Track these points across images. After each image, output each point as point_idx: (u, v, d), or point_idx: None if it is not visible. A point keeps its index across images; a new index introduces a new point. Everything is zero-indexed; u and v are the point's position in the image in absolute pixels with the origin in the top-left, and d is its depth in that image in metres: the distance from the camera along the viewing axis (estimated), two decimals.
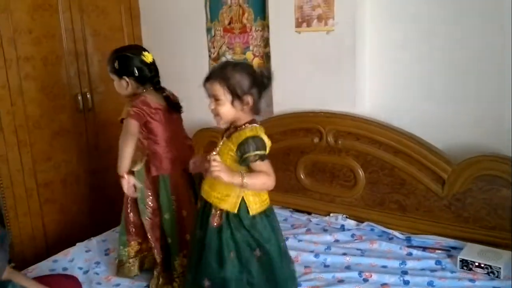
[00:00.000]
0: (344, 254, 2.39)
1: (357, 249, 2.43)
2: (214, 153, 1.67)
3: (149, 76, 2.25)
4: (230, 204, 1.74)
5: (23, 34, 3.00)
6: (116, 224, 2.93)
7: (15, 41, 2.95)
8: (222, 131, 1.86)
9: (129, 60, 2.23)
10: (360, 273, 2.18)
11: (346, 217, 2.70)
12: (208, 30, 3.37)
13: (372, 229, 2.60)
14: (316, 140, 2.76)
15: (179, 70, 3.49)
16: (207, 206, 1.81)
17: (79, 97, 3.30)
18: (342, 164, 2.72)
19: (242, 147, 1.66)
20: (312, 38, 2.73)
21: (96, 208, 3.45)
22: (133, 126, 2.15)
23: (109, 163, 3.50)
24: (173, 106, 2.27)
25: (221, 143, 1.79)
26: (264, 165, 1.68)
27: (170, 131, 2.24)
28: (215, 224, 1.76)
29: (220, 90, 1.67)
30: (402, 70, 2.64)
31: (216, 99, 1.69)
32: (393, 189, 2.58)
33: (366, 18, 2.65)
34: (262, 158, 1.67)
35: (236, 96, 1.66)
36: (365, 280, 2.15)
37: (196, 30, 3.39)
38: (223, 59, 3.34)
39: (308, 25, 2.73)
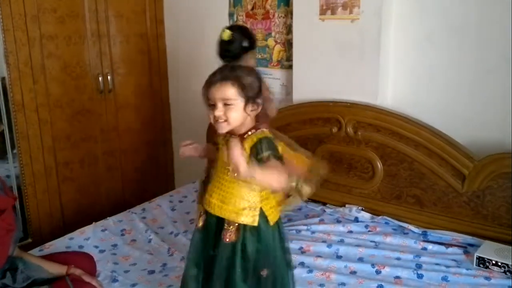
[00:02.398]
0: (358, 245, 2.37)
1: (371, 241, 2.41)
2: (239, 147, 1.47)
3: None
4: (249, 218, 1.60)
5: (47, 13, 3.02)
6: (133, 205, 2.97)
7: (39, 19, 2.98)
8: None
9: None
10: (373, 265, 2.17)
11: (361, 209, 2.67)
12: (231, 15, 3.34)
13: (386, 223, 2.57)
14: (334, 130, 2.73)
15: (200, 55, 3.49)
16: (220, 222, 1.65)
17: (100, 78, 3.32)
18: (360, 155, 2.69)
19: (255, 149, 1.54)
20: (336, 26, 2.68)
21: (113, 189, 3.50)
22: None
23: (127, 144, 3.56)
24: None
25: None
26: (278, 163, 1.53)
27: None
28: (227, 239, 1.62)
29: (234, 93, 1.54)
30: (427, 63, 2.58)
31: (226, 103, 1.54)
32: (411, 183, 2.54)
33: (392, 8, 2.59)
34: (275, 157, 1.54)
35: (250, 99, 1.55)
36: (378, 272, 2.13)
37: (219, 14, 3.37)
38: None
39: (333, 13, 2.69)
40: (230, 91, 1.54)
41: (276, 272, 1.65)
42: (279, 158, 1.55)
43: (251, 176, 1.43)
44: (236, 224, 1.61)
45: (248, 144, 1.57)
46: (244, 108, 1.55)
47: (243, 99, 1.55)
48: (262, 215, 1.61)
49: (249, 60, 2.27)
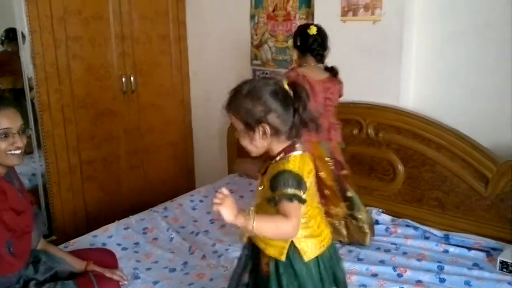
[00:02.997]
0: (378, 248, 2.36)
1: (392, 244, 2.40)
2: (224, 190, 1.30)
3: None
4: (276, 250, 1.44)
5: (73, 14, 3.08)
6: (154, 204, 3.01)
7: (65, 21, 3.04)
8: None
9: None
10: (394, 268, 2.16)
11: (382, 212, 2.66)
12: (252, 16, 3.36)
13: (407, 225, 2.56)
14: (355, 131, 2.73)
15: (221, 56, 3.52)
16: (256, 249, 1.52)
17: (123, 79, 3.38)
18: (381, 157, 2.69)
19: (272, 183, 1.36)
20: (358, 28, 2.68)
21: (135, 188, 3.54)
22: None
23: (149, 145, 3.61)
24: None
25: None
26: (288, 207, 1.31)
27: None
28: (263, 269, 1.48)
29: (235, 122, 1.42)
30: (450, 64, 2.56)
31: (236, 129, 1.45)
32: (433, 185, 2.53)
33: (415, 9, 2.58)
34: (290, 198, 1.32)
35: (249, 126, 1.39)
36: (400, 276, 2.12)
37: (240, 16, 3.39)
38: (265, 46, 3.33)
39: (354, 14, 2.69)
40: (232, 120, 1.44)
41: None
42: (297, 198, 1.33)
43: (245, 229, 1.29)
44: (266, 256, 1.47)
45: (270, 174, 1.40)
46: (249, 136, 1.41)
47: (243, 127, 1.40)
48: (295, 250, 1.44)
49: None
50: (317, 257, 1.45)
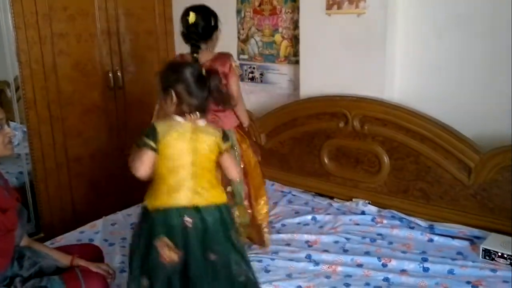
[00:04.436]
0: (364, 238, 2.39)
1: (378, 234, 2.42)
2: None
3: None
4: None
5: (58, 11, 3.08)
6: (142, 200, 3.00)
7: (51, 17, 3.03)
8: None
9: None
10: (379, 258, 2.18)
11: (368, 203, 2.69)
12: (238, 11, 3.37)
13: (393, 216, 2.58)
14: (341, 124, 2.74)
15: None
16: None
17: (110, 75, 3.37)
18: (367, 149, 2.70)
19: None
20: (343, 21, 2.70)
21: (123, 184, 3.53)
22: None
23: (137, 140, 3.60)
24: None
25: None
26: (138, 151, 1.68)
27: None
28: None
29: (158, 86, 1.75)
30: (434, 56, 2.59)
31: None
32: (418, 176, 2.55)
33: (399, 2, 2.60)
34: (139, 143, 1.68)
35: (163, 90, 1.71)
36: (384, 265, 2.14)
37: (227, 11, 3.39)
38: (252, 40, 3.34)
39: (339, 8, 2.70)
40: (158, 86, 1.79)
41: None
42: (144, 145, 1.66)
43: None
44: None
45: None
46: (163, 99, 1.72)
47: (160, 89, 1.73)
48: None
49: (215, 40, 2.36)
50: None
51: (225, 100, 1.86)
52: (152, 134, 1.65)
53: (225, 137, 1.76)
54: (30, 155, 3.05)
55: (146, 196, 1.75)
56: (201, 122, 1.72)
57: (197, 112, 1.70)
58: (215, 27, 2.33)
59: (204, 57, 2.28)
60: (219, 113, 2.26)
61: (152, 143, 1.65)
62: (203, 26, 2.27)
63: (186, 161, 1.68)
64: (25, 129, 3.04)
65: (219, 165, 1.79)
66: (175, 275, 1.65)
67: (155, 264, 1.65)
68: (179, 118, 1.69)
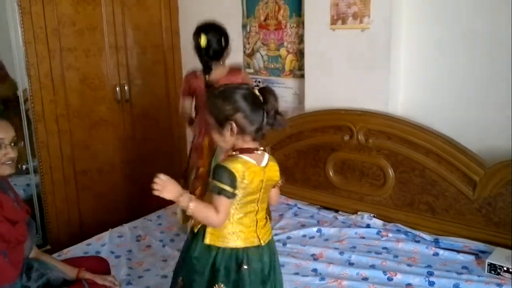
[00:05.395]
0: (369, 252, 2.39)
1: (383, 248, 2.42)
2: (162, 176, 1.52)
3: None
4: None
5: (67, 26, 3.14)
6: (149, 212, 3.03)
7: (59, 32, 3.08)
8: None
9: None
10: (384, 272, 2.18)
11: (373, 216, 2.69)
12: (244, 26, 3.41)
13: (398, 230, 2.58)
14: (346, 137, 2.76)
15: None
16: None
17: (118, 89, 3.41)
18: (372, 162, 2.71)
19: (212, 173, 1.56)
20: (347, 36, 2.73)
21: (129, 197, 3.56)
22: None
23: (144, 153, 3.63)
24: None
25: None
26: (217, 200, 1.50)
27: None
28: None
29: (209, 118, 1.59)
30: (437, 70, 2.60)
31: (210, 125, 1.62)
32: (423, 190, 2.55)
33: (402, 17, 2.63)
34: (219, 192, 1.49)
35: (219, 123, 1.55)
36: (390, 279, 2.14)
37: (232, 25, 3.41)
38: (257, 55, 3.38)
39: (343, 23, 2.73)
40: (208, 118, 1.60)
41: None
42: (226, 194, 1.49)
43: (184, 207, 1.50)
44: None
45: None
46: (219, 132, 1.57)
47: (215, 124, 1.57)
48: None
49: (226, 56, 2.48)
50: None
51: (282, 122, 1.60)
52: (233, 180, 1.49)
53: (278, 169, 1.67)
54: (38, 168, 3.09)
55: (206, 235, 1.59)
56: (266, 158, 1.60)
57: (261, 147, 1.59)
58: (226, 46, 2.44)
59: (217, 73, 2.42)
60: None
61: (232, 190, 1.50)
62: (214, 49, 2.39)
63: (253, 203, 1.60)
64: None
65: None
66: None
67: None
68: (249, 159, 1.55)
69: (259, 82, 3.40)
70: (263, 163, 1.59)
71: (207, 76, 2.42)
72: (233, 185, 1.50)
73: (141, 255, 2.52)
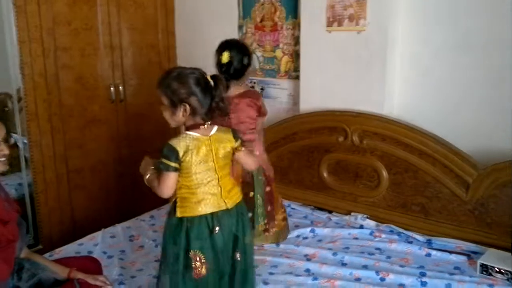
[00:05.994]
0: (362, 252, 2.39)
1: (376, 248, 2.43)
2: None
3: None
4: None
5: (62, 25, 3.12)
6: (141, 213, 3.01)
7: (54, 31, 3.07)
8: None
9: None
10: (377, 272, 2.18)
11: (367, 217, 2.70)
12: (240, 27, 3.42)
13: (391, 231, 2.59)
14: (340, 139, 2.77)
15: (209, 66, 3.54)
16: None
17: (112, 88, 3.40)
18: (366, 164, 2.72)
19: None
20: (343, 38, 2.74)
21: (123, 196, 3.55)
22: None
23: (138, 153, 3.61)
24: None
25: None
26: (160, 176, 1.72)
27: None
28: None
29: (162, 96, 1.73)
30: (433, 73, 2.62)
31: (161, 103, 1.75)
32: (416, 191, 2.56)
33: (398, 19, 2.64)
34: (160, 166, 1.71)
35: (173, 104, 1.71)
36: (382, 280, 2.14)
37: (228, 26, 3.44)
38: (254, 56, 3.38)
39: (339, 25, 2.75)
40: (160, 96, 1.74)
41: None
42: (167, 168, 1.69)
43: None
44: None
45: None
46: (172, 112, 1.72)
47: (168, 103, 1.72)
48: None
49: (245, 76, 2.44)
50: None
51: (226, 109, 1.82)
52: (173, 155, 1.69)
53: (235, 136, 1.83)
54: (30, 167, 3.07)
55: (176, 209, 1.77)
56: (213, 130, 1.78)
57: (208, 122, 1.75)
58: (248, 66, 2.39)
59: (233, 90, 2.37)
60: (251, 139, 2.38)
61: (174, 164, 1.69)
62: (235, 67, 2.34)
63: (211, 172, 1.75)
64: (25, 141, 3.06)
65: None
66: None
67: (188, 277, 1.74)
68: (193, 133, 1.74)
69: (254, 83, 3.40)
70: (210, 134, 1.76)
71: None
72: (173, 160, 1.68)
73: (134, 255, 2.51)
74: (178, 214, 1.75)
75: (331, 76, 2.83)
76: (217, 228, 1.74)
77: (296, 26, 3.09)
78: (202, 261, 1.73)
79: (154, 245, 2.58)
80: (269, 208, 2.52)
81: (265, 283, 2.13)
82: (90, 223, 3.28)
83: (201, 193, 1.74)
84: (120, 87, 3.45)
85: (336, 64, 2.80)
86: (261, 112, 2.45)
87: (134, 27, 3.51)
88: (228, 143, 1.80)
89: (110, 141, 3.45)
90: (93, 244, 2.60)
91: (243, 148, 1.86)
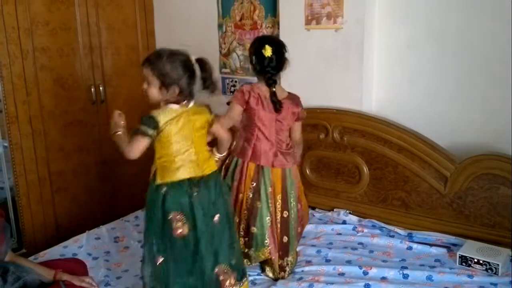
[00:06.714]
0: (345, 247, 2.44)
1: (359, 243, 2.48)
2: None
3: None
4: None
5: (40, 25, 3.09)
6: (125, 214, 3.01)
7: (32, 32, 3.04)
8: None
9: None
10: (360, 266, 2.23)
11: (349, 213, 2.75)
12: (220, 26, 3.42)
13: (373, 225, 2.64)
14: (322, 136, 2.81)
15: None
16: None
17: (92, 89, 3.38)
18: (347, 160, 2.77)
19: None
20: (321, 36, 2.77)
21: (105, 198, 3.54)
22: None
23: (120, 155, 3.60)
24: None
25: None
26: (134, 138, 1.80)
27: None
28: None
29: (151, 76, 1.81)
30: (410, 70, 2.67)
31: (148, 81, 1.82)
32: (396, 186, 2.62)
33: (375, 17, 2.69)
34: (137, 130, 1.79)
35: (163, 84, 1.80)
36: (365, 273, 2.19)
37: (208, 25, 3.45)
38: (233, 55, 3.40)
39: (318, 23, 2.78)
40: (149, 74, 1.81)
41: None
42: (143, 133, 1.78)
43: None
44: None
45: None
46: (160, 90, 1.80)
47: (158, 83, 1.80)
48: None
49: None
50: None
51: (216, 86, 1.93)
52: (152, 124, 1.77)
53: (210, 111, 1.95)
54: (11, 170, 3.04)
55: (156, 176, 1.87)
56: (191, 104, 1.88)
57: (189, 98, 1.86)
58: (286, 58, 2.30)
59: (279, 93, 2.28)
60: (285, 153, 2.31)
61: (151, 132, 1.78)
62: (277, 59, 2.24)
63: (188, 142, 1.85)
64: (6, 144, 3.02)
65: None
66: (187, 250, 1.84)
67: (170, 240, 1.83)
68: (174, 106, 1.83)
69: (235, 81, 3.42)
70: (188, 107, 1.86)
71: (273, 90, 2.24)
72: (151, 127, 1.77)
73: (119, 256, 2.51)
74: (158, 180, 1.85)
75: (311, 74, 2.86)
76: (195, 193, 1.84)
77: (276, 24, 3.11)
78: (184, 221, 1.82)
79: (140, 246, 2.58)
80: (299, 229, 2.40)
81: (254, 283, 2.17)
82: (74, 225, 3.27)
83: (180, 161, 1.84)
84: (101, 88, 3.43)
85: (316, 62, 2.83)
86: (299, 116, 2.38)
87: (113, 27, 3.49)
88: (204, 115, 1.91)
89: (92, 142, 3.44)
90: (78, 246, 2.59)
91: (215, 121, 1.98)
